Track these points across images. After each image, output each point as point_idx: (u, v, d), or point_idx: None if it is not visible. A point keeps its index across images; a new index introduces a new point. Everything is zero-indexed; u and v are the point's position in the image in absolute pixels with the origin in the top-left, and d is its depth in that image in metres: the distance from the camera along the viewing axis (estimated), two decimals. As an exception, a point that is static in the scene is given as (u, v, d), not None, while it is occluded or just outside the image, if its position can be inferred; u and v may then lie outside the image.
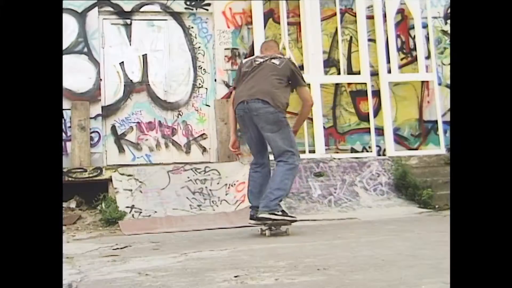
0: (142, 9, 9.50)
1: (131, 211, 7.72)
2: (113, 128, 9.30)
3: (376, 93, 10.00)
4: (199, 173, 8.41)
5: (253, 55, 9.56)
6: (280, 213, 5.80)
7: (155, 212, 7.74)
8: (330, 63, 10.06)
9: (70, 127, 8.81)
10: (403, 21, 10.38)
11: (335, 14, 10.08)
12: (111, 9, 9.40)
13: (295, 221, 6.04)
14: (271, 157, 6.13)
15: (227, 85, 9.57)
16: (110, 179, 8.23)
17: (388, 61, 10.00)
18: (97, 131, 9.06)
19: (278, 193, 5.75)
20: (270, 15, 9.90)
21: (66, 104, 8.81)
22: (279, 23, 9.83)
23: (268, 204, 5.73)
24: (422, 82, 10.26)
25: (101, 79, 9.22)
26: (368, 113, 9.91)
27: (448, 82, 10.26)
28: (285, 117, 6.04)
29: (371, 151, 9.79)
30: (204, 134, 9.58)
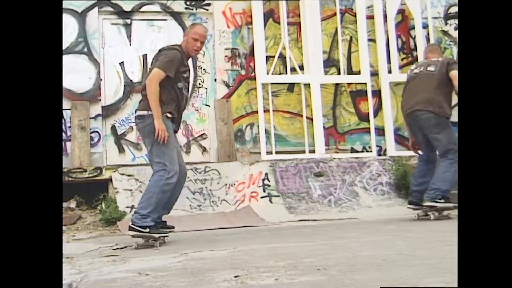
0: (142, 9, 9.50)
1: (131, 211, 7.71)
2: (113, 128, 9.30)
3: (377, 93, 10.00)
4: (199, 173, 8.41)
5: (253, 55, 9.61)
6: (440, 201, 6.71)
7: (155, 212, 7.72)
8: (330, 63, 10.06)
9: (70, 127, 8.81)
10: (404, 21, 10.38)
11: (335, 14, 10.08)
12: (111, 9, 9.40)
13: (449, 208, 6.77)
14: None
15: (227, 85, 9.58)
16: (110, 179, 8.22)
17: (389, 61, 10.01)
18: (97, 131, 9.06)
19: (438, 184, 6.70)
20: (270, 15, 9.90)
21: (66, 104, 8.81)
22: (279, 23, 9.84)
23: (430, 194, 6.72)
24: (423, 82, 10.25)
25: (101, 79, 9.23)
26: (368, 113, 9.92)
27: (448, 82, 10.27)
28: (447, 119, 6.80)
29: (371, 151, 9.79)
30: (204, 134, 9.58)
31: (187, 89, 5.87)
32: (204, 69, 9.69)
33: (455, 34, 10.34)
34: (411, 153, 9.77)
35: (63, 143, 8.75)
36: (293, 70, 9.76)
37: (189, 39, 5.70)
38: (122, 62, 9.44)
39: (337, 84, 10.06)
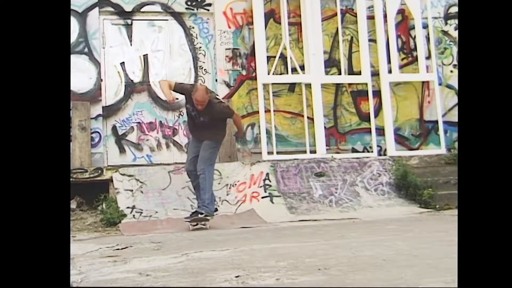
0: (142, 9, 9.50)
1: (132, 211, 7.71)
2: (114, 128, 9.30)
3: (377, 93, 10.00)
4: (200, 173, 8.40)
5: (254, 55, 9.61)
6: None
7: (156, 212, 7.73)
8: (331, 63, 10.06)
9: (71, 127, 8.80)
10: (404, 22, 10.38)
11: (335, 14, 10.08)
12: (112, 9, 9.39)
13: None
14: None
15: (228, 85, 9.58)
16: (110, 180, 8.22)
17: (389, 61, 10.00)
18: (97, 132, 9.06)
19: None
20: (271, 15, 9.90)
21: (67, 104, 8.82)
22: (280, 23, 9.84)
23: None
24: (423, 82, 10.27)
25: (101, 79, 9.22)
26: (368, 113, 9.92)
27: (448, 82, 10.31)
28: None
29: (372, 151, 9.79)
30: (205, 134, 9.56)
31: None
32: (205, 69, 9.69)
33: (455, 34, 10.35)
34: (411, 153, 9.85)
35: (64, 143, 8.75)
36: (294, 70, 9.76)
37: (193, 99, 6.97)
38: (123, 62, 9.43)
39: (338, 84, 10.06)
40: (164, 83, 7.36)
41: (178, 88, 7.32)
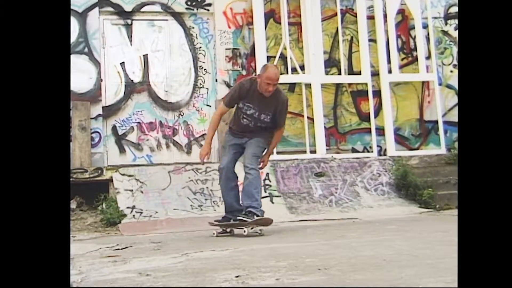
0: (142, 9, 9.50)
1: (132, 211, 7.71)
2: (114, 128, 9.30)
3: (377, 93, 10.00)
4: (200, 173, 8.40)
5: (254, 55, 9.60)
6: None
7: (156, 212, 7.73)
8: (331, 63, 10.06)
9: (71, 127, 8.80)
10: (404, 22, 10.38)
11: (335, 14, 10.08)
12: (112, 9, 9.39)
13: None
14: None
15: (228, 85, 9.56)
16: (110, 180, 8.22)
17: (389, 61, 10.00)
18: (97, 132, 9.06)
19: None
20: (271, 15, 9.90)
21: (67, 104, 8.82)
22: (280, 23, 9.83)
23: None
24: (423, 82, 10.27)
25: (101, 79, 9.22)
26: (368, 113, 9.92)
27: (448, 82, 10.31)
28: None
29: (372, 151, 9.79)
30: (205, 134, 9.56)
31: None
32: (205, 69, 9.69)
33: (455, 34, 10.35)
34: (411, 153, 9.85)
35: (64, 143, 8.75)
36: (294, 70, 9.76)
37: (262, 82, 5.96)
38: (123, 62, 9.44)
39: (338, 84, 10.06)
40: (215, 119, 6.38)
41: (230, 103, 6.30)
